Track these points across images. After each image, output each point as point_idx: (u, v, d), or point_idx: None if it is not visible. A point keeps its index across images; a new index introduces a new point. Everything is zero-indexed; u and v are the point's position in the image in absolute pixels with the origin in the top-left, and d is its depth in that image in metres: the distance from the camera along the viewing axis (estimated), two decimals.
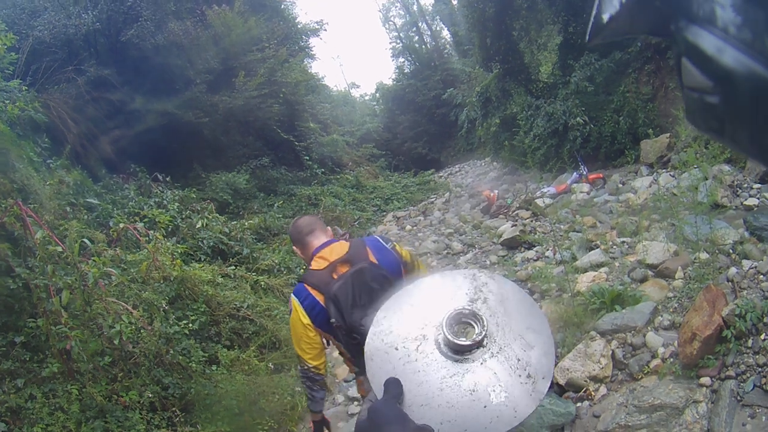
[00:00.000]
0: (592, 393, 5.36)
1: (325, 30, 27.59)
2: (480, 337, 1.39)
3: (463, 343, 1.37)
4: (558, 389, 5.64)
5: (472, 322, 1.43)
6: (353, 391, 7.12)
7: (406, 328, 1.49)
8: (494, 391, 1.32)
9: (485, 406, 1.32)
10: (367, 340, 1.53)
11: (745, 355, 4.69)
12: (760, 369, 4.51)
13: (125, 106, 14.74)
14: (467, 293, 1.55)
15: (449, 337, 1.38)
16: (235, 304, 8.12)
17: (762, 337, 4.73)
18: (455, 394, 1.34)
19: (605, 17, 0.69)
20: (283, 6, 26.35)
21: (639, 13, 0.67)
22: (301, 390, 7.05)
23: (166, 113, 15.09)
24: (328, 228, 3.61)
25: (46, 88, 13.59)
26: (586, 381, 5.46)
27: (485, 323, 1.42)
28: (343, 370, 7.72)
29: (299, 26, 26.28)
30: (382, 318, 1.57)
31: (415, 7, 44.55)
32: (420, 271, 3.57)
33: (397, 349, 1.44)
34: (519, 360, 1.40)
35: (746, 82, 0.52)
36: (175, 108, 15.36)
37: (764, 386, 4.38)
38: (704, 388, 4.62)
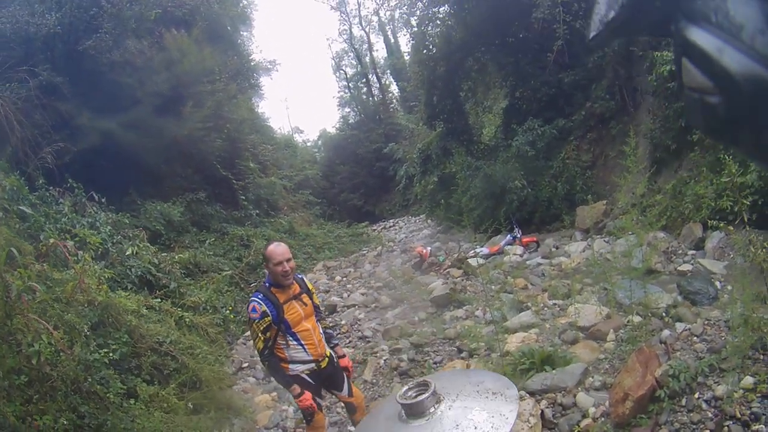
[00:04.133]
0: None
1: (277, 71, 27.52)
2: (433, 388, 1.50)
3: (420, 398, 1.49)
4: None
5: (422, 389, 1.54)
6: None
7: None
8: (474, 416, 1.40)
9: (475, 427, 1.39)
10: None
11: (679, 413, 4.76)
12: (694, 426, 4.59)
13: (73, 119, 14.31)
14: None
15: (404, 401, 1.50)
16: (158, 338, 7.86)
17: (696, 395, 4.83)
18: None
19: (605, 18, 0.70)
20: (239, 41, 26.13)
21: (639, 14, 0.68)
22: None
23: (111, 133, 14.56)
24: None
25: None
26: None
27: (432, 383, 1.53)
28: (263, 416, 7.52)
29: (252, 63, 26.14)
30: None
31: (367, 59, 44.95)
32: None
33: None
34: (478, 392, 1.51)
35: (746, 83, 0.52)
36: (121, 128, 14.82)
37: None
38: None
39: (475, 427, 1.47)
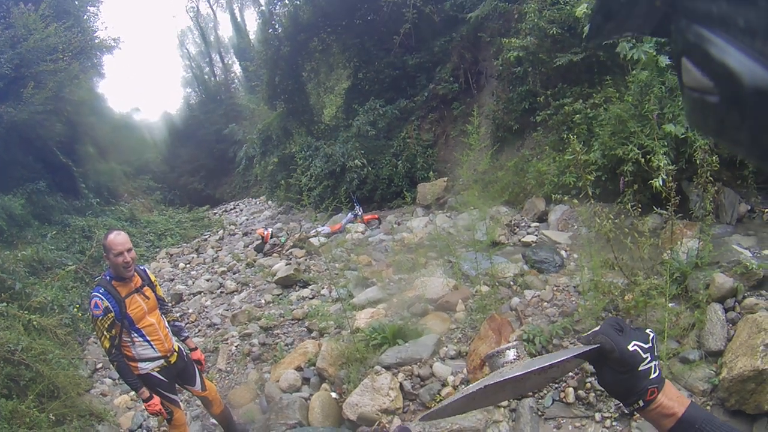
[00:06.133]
0: (386, 425, 5.43)
1: (120, 48, 26.09)
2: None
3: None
4: (350, 425, 5.67)
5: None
6: None
7: None
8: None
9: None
10: None
11: None
12: (556, 385, 4.85)
13: None
14: None
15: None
16: (9, 347, 7.35)
17: None
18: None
19: (605, 17, 0.71)
20: (86, 16, 24.56)
21: (638, 13, 0.68)
22: None
23: None
24: None
25: None
26: (378, 414, 5.52)
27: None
28: (126, 419, 7.33)
29: (97, 41, 24.67)
30: None
31: (212, 38, 43.71)
32: None
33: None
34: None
35: (747, 82, 0.52)
36: None
37: (563, 399, 4.72)
38: (502, 409, 4.83)
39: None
